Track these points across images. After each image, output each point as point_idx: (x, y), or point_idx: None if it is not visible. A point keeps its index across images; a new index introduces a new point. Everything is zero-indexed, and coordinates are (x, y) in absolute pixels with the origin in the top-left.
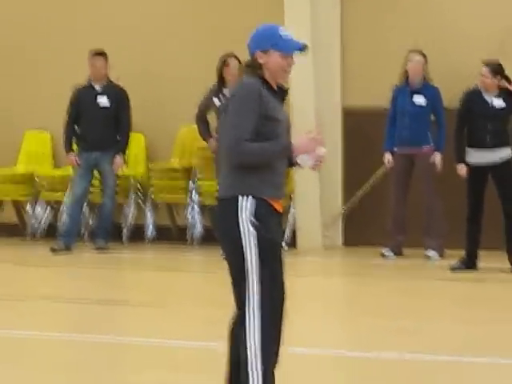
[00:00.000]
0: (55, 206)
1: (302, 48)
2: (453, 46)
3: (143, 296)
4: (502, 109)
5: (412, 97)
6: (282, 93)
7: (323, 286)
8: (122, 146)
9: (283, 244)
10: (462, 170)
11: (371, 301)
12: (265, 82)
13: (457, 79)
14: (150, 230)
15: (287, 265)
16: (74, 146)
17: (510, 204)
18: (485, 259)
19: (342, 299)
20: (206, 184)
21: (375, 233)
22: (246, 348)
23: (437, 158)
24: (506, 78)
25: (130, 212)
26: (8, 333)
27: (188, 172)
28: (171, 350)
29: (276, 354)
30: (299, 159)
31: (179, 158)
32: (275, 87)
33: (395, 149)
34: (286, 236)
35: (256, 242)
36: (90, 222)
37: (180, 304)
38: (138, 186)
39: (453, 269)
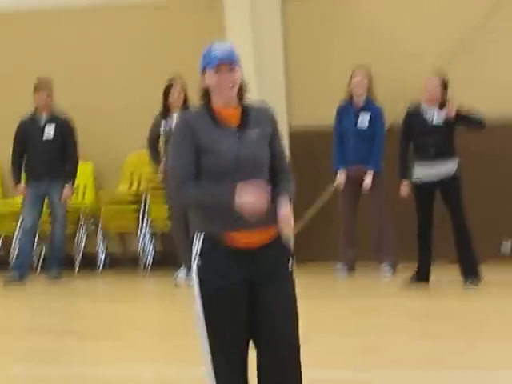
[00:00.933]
0: (4, 239)
1: (225, 55)
2: (398, 63)
3: (96, 327)
4: (444, 122)
5: (356, 116)
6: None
7: None
8: (69, 175)
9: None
10: (404, 187)
11: (330, 319)
12: (209, 109)
13: (402, 96)
14: (101, 259)
15: None
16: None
17: (458, 218)
18: (437, 272)
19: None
20: (156, 209)
21: (327, 248)
22: None
23: (367, 178)
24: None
25: (82, 241)
26: None
27: (137, 198)
28: (127, 381)
29: None
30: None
31: (128, 184)
32: (231, 107)
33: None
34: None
35: (197, 288)
36: (42, 252)
37: (135, 335)
38: (88, 214)
39: (406, 283)
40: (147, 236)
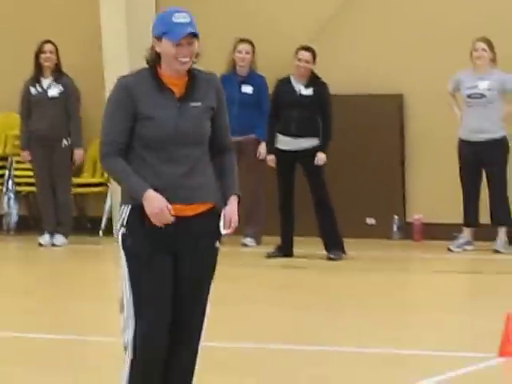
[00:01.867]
0: None
1: (191, 34)
2: (277, 35)
3: None
4: (308, 97)
5: (240, 86)
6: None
7: None
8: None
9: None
10: (270, 158)
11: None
12: (155, 74)
13: (283, 68)
14: None
15: None
16: None
17: (318, 192)
18: (301, 246)
19: None
20: (22, 172)
21: None
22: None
23: (261, 146)
24: None
25: None
26: None
27: (3, 160)
28: None
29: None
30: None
31: None
32: (176, 77)
33: None
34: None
35: (124, 252)
36: None
37: None
38: None
39: (269, 256)
40: (12, 198)
